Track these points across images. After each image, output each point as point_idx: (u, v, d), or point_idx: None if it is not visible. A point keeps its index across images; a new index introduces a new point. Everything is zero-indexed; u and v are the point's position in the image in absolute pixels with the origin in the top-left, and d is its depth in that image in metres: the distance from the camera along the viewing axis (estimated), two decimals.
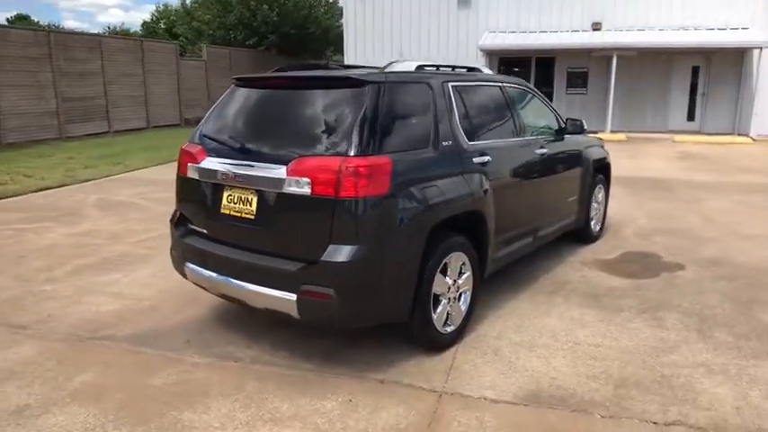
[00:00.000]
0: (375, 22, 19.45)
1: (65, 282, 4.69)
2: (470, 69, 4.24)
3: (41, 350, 3.47)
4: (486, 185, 3.58)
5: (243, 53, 23.68)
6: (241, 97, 3.49)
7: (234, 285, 3.16)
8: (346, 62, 20.10)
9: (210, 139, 3.42)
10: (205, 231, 3.40)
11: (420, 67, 3.66)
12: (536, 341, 3.56)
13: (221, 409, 2.83)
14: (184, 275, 3.60)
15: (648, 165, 11.12)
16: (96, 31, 31.93)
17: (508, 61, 18.92)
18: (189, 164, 3.44)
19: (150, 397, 2.95)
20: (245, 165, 3.12)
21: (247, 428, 2.67)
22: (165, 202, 7.73)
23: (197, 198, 3.43)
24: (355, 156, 2.82)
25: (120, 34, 35.08)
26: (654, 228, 6.33)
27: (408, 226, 3.00)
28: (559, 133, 4.96)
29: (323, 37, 27.98)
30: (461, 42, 18.72)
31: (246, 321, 3.82)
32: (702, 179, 9.54)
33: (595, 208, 5.68)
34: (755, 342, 3.54)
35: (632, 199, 7.88)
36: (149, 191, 8.54)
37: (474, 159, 3.57)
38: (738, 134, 15.95)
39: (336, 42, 30.54)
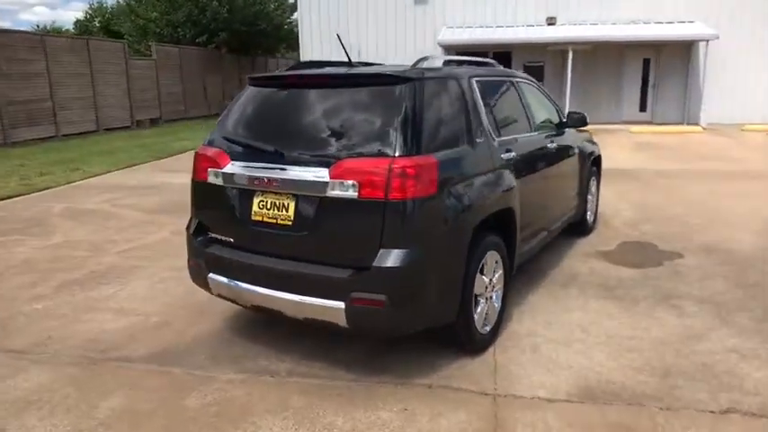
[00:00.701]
0: (331, 19, 19.20)
1: (55, 299, 4.35)
2: (482, 63, 4.18)
3: (53, 376, 3.20)
4: (514, 182, 3.55)
5: (193, 51, 22.88)
6: (263, 98, 3.32)
7: (270, 296, 2.99)
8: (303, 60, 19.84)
9: (233, 142, 3.22)
10: (231, 240, 3.21)
11: (447, 63, 3.58)
12: (569, 336, 3.57)
13: (273, 428, 2.68)
14: (206, 287, 3.40)
15: (612, 155, 11.41)
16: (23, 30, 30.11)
17: (468, 55, 19.09)
18: (210, 169, 3.24)
19: (192, 420, 2.76)
20: (279, 168, 2.95)
21: None
22: (139, 208, 7.38)
23: (221, 205, 3.23)
24: (402, 156, 2.72)
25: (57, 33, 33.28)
26: (640, 217, 6.51)
27: (455, 226, 2.93)
28: (560, 127, 5.00)
29: (275, 34, 27.44)
30: (419, 38, 18.76)
31: (268, 331, 3.66)
32: (668, 168, 9.92)
33: (590, 200, 5.78)
34: None
35: (608, 190, 8.08)
36: (118, 197, 8.09)
37: (502, 155, 3.53)
38: (688, 123, 16.71)
39: (289, 39, 30.10)
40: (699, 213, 6.63)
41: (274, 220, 2.99)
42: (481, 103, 3.48)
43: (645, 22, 17.10)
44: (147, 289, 4.53)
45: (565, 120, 5.09)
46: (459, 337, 3.19)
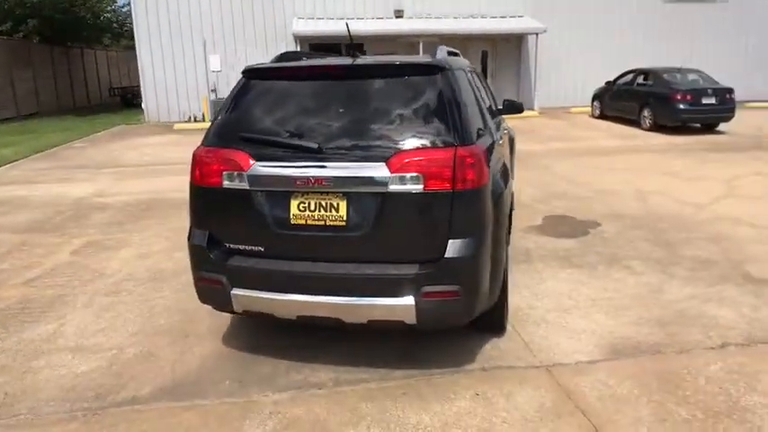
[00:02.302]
0: (170, 10, 17.75)
1: None
2: (451, 54, 4.30)
3: None
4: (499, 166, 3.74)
5: None
6: (281, 91, 3.06)
7: (325, 303, 2.80)
8: (140, 55, 18.05)
9: (256, 141, 2.91)
10: (261, 249, 2.92)
11: (451, 54, 3.63)
12: (562, 304, 3.90)
13: None
14: (223, 307, 3.06)
15: None
16: None
17: (319, 47, 19.01)
18: (225, 172, 2.90)
19: None
20: (322, 166, 2.76)
21: None
22: (12, 228, 6.19)
23: (244, 212, 2.92)
24: (461, 146, 2.74)
25: None
26: (542, 194, 7.22)
27: (500, 211, 3.03)
28: (498, 113, 5.34)
29: (94, 23, 24.52)
30: (269, 28, 18.29)
31: (274, 343, 3.43)
32: (532, 149, 11.06)
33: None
34: (704, 272, 4.41)
35: None
36: None
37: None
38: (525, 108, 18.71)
39: (112, 29, 27.10)
40: (583, 187, 7.56)
41: (322, 222, 2.80)
42: (478, 93, 3.61)
43: (482, 17, 18.69)
44: (95, 319, 3.89)
45: (501, 107, 5.44)
46: (494, 319, 3.31)
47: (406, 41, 18.43)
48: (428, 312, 2.75)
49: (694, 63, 15.27)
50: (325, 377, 3.07)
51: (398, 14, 18.73)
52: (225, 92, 18.17)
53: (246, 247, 2.95)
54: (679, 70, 13.22)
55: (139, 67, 18.21)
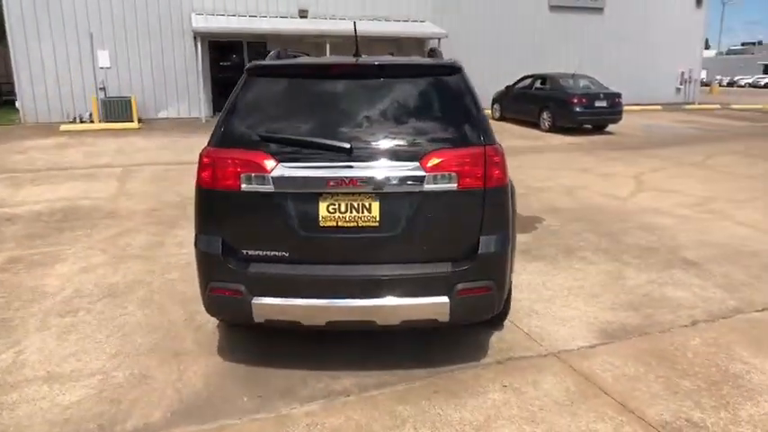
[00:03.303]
0: (51, 2, 16.08)
1: None
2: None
3: None
4: None
5: None
6: (298, 89, 2.92)
7: (358, 306, 2.73)
8: (12, 46, 16.13)
9: (279, 141, 2.76)
10: (286, 254, 2.77)
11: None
12: (542, 295, 4.13)
13: None
14: (241, 317, 2.87)
15: None
16: None
17: (220, 45, 18.29)
18: (245, 174, 2.72)
19: None
20: (351, 166, 2.70)
21: None
22: None
23: (266, 215, 2.76)
24: (487, 144, 2.81)
25: None
26: None
27: (515, 209, 3.14)
28: None
29: None
30: (165, 24, 17.20)
31: (278, 351, 3.30)
32: None
33: None
34: (651, 259, 4.89)
35: None
36: None
37: None
38: None
39: None
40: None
41: (354, 224, 2.73)
42: None
43: (386, 20, 19.03)
44: (60, 343, 3.46)
45: None
46: (502, 312, 3.41)
47: (312, 41, 18.27)
48: (462, 309, 2.80)
49: (583, 69, 16.74)
50: (348, 383, 3.00)
51: (302, 14, 18.50)
52: (116, 91, 16.83)
53: (268, 253, 2.79)
54: (572, 76, 14.43)
55: (12, 61, 16.26)
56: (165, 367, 3.18)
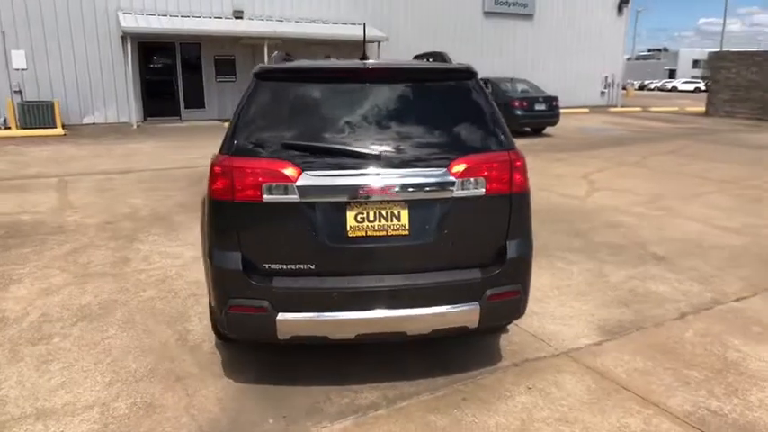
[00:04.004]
0: None
1: None
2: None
3: None
4: None
5: None
6: (315, 94, 2.80)
7: (389, 317, 2.66)
8: None
9: (302, 149, 2.63)
10: (312, 266, 2.65)
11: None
12: (536, 295, 4.15)
13: None
14: (265, 337, 2.72)
15: None
16: None
17: (150, 46, 17.45)
18: (267, 184, 2.58)
19: None
20: (377, 174, 2.62)
21: None
22: None
23: (291, 227, 2.62)
24: (509, 150, 2.82)
25: None
26: None
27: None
28: None
29: None
30: (89, 23, 16.22)
31: (285, 367, 3.17)
32: None
33: None
34: (623, 256, 5.12)
35: None
36: None
37: None
38: None
39: None
40: None
41: (383, 233, 2.65)
42: None
43: (324, 22, 18.88)
44: (40, 375, 3.14)
45: None
46: None
47: (248, 43, 17.82)
48: (491, 314, 2.79)
49: (517, 73, 17.38)
50: (373, 396, 2.92)
51: (238, 15, 18.01)
52: (34, 95, 15.62)
53: (293, 266, 2.66)
54: (511, 80, 14.94)
55: None
56: (170, 393, 2.96)
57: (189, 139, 13.86)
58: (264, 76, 2.87)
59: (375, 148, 2.66)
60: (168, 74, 18.01)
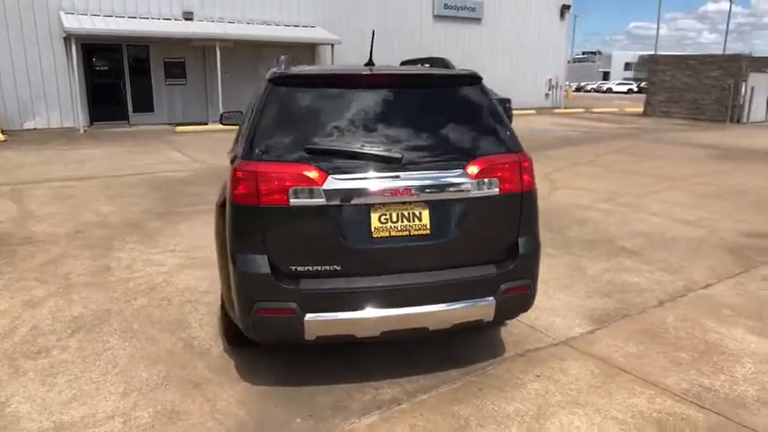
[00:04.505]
0: None
1: None
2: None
3: None
4: None
5: None
6: (327, 99, 2.88)
7: (412, 314, 2.76)
8: None
9: (322, 153, 2.70)
10: (338, 267, 2.72)
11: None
12: None
13: None
14: (292, 339, 2.77)
15: None
16: None
17: (95, 48, 16.79)
18: (295, 188, 2.63)
19: None
20: (399, 176, 2.73)
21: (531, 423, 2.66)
22: None
23: (317, 230, 2.69)
24: (518, 152, 2.99)
25: None
26: None
27: None
28: None
29: None
30: (28, 23, 15.45)
31: (303, 367, 3.23)
32: None
33: None
34: (597, 250, 5.44)
35: None
36: None
37: None
38: None
39: None
40: None
41: (406, 233, 2.76)
42: None
43: (276, 24, 18.72)
44: (48, 389, 3.06)
45: None
46: None
47: (199, 45, 17.44)
48: (505, 307, 2.95)
49: None
50: (393, 392, 3.02)
51: (188, 16, 17.59)
52: None
53: (319, 268, 2.72)
54: None
55: None
56: (191, 400, 2.96)
57: (141, 144, 13.45)
58: (280, 81, 2.92)
59: (396, 152, 2.76)
60: (115, 77, 17.39)
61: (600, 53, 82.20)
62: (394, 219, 2.77)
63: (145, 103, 17.78)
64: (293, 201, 2.66)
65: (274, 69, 3.13)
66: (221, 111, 16.84)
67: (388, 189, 2.71)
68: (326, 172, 2.69)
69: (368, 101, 2.94)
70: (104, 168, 10.01)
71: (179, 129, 16.13)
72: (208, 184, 8.39)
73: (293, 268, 2.73)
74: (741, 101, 20.82)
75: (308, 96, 2.91)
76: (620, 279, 4.66)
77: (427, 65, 3.71)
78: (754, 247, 5.55)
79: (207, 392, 3.03)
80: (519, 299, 3.01)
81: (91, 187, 8.40)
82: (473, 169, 2.83)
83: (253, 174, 2.68)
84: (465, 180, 2.81)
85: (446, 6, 22.45)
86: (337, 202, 2.70)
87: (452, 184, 2.80)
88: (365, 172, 2.73)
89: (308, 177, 2.66)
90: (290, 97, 2.89)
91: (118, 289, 4.45)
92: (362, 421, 2.77)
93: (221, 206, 3.01)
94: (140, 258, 5.19)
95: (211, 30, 16.98)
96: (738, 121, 20.81)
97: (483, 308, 2.89)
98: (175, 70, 18.14)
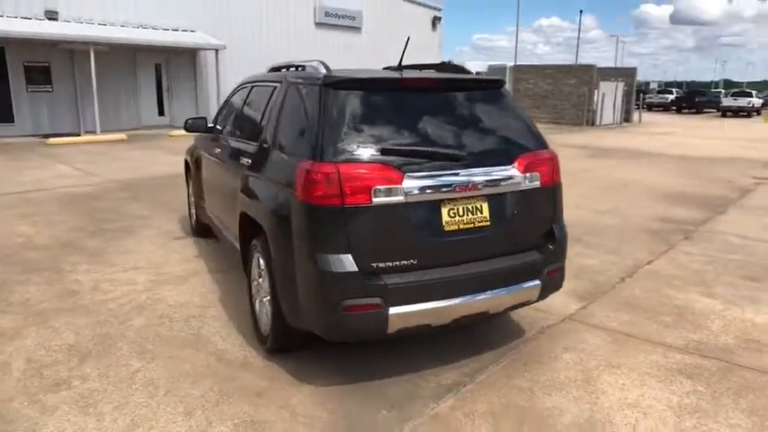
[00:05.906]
0: None
1: None
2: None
3: None
4: None
5: None
6: (381, 102, 3.06)
7: (478, 300, 3.02)
8: None
9: (398, 153, 2.85)
10: (414, 261, 2.88)
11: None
12: None
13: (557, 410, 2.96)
14: (379, 332, 2.89)
15: None
16: None
17: None
18: (376, 188, 2.75)
19: None
20: (467, 173, 2.99)
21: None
22: None
23: (396, 226, 2.83)
24: (545, 149, 3.39)
25: None
26: None
27: None
28: None
29: None
30: None
31: (352, 365, 3.34)
32: None
33: None
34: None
35: None
36: None
37: None
38: None
39: None
40: None
41: (471, 225, 3.00)
42: None
43: (154, 28, 17.61)
44: (92, 418, 2.82)
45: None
46: None
47: (67, 48, 15.85)
48: (547, 288, 3.33)
49: None
50: (453, 376, 3.24)
51: (51, 16, 15.88)
52: None
53: (398, 263, 2.86)
54: None
55: None
56: (264, 408, 2.91)
57: (16, 157, 11.99)
58: (334, 85, 3.01)
59: (458, 151, 3.01)
60: None
61: (451, 62, 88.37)
62: (461, 213, 3.00)
63: (2, 113, 15.70)
64: (375, 200, 2.78)
65: (325, 73, 3.17)
66: (97, 121, 15.57)
67: (455, 185, 2.95)
68: (403, 171, 2.84)
69: (420, 103, 3.16)
70: None
71: (52, 141, 14.48)
72: (121, 200, 7.84)
73: (375, 264, 2.84)
74: (594, 106, 23.84)
75: (365, 99, 3.04)
76: (578, 263, 5.29)
77: (434, 69, 3.96)
78: (666, 229, 6.59)
79: (275, 399, 2.99)
80: (556, 280, 3.40)
81: (4, 202, 7.39)
82: (521, 164, 3.17)
83: (335, 175, 2.74)
84: (517, 175, 3.14)
85: (327, 14, 22.73)
86: (413, 200, 2.87)
87: (507, 178, 3.12)
88: (434, 170, 2.93)
89: (389, 177, 2.80)
90: (348, 100, 3.00)
91: (100, 312, 4.10)
92: (441, 405, 2.95)
93: (279, 215, 3.01)
94: (104, 279, 4.77)
95: (78, 32, 15.42)
96: (593, 124, 23.82)
97: (532, 290, 3.23)
98: (39, 76, 16.26)
